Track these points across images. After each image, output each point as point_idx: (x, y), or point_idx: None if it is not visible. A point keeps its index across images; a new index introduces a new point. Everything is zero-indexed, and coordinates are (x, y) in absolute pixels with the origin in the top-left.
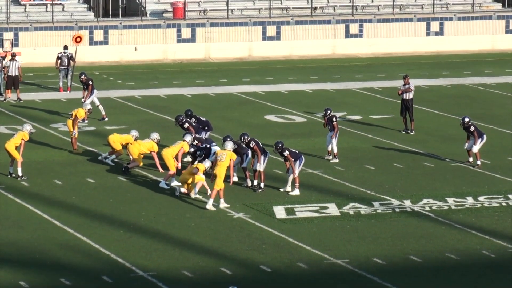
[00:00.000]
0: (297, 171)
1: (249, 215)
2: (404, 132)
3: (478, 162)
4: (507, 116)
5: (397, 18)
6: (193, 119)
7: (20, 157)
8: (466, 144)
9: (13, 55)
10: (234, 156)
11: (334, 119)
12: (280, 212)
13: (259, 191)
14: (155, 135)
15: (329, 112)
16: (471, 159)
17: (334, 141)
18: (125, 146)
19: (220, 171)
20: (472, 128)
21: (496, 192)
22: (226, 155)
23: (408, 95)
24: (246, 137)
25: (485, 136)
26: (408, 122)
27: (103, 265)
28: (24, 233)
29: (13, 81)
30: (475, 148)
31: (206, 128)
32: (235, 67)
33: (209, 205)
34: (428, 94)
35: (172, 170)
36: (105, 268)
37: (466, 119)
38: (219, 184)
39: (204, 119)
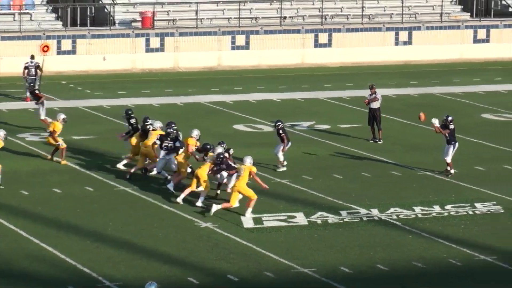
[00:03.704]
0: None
1: (217, 225)
2: (372, 141)
3: (452, 171)
4: (473, 125)
5: (366, 28)
6: (133, 120)
7: None
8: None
9: None
10: (254, 169)
11: (281, 131)
12: (247, 221)
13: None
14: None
15: (278, 124)
16: (448, 168)
17: (281, 151)
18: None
19: (242, 187)
20: (452, 126)
21: (462, 201)
22: (244, 170)
23: (375, 105)
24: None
25: (457, 144)
26: (376, 131)
27: (69, 275)
28: None
29: None
30: (448, 158)
31: None
32: (204, 77)
33: (248, 214)
34: (396, 103)
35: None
36: (71, 278)
37: (450, 118)
38: (251, 195)
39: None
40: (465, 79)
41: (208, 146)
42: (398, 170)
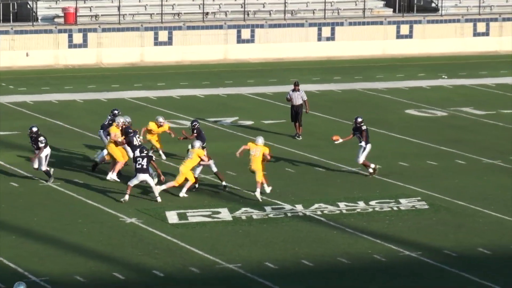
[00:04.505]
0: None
1: (142, 220)
2: (295, 137)
3: (370, 170)
4: (397, 121)
5: (289, 23)
6: None
7: None
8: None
9: None
10: (267, 150)
11: (195, 131)
12: (172, 217)
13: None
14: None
15: (194, 124)
16: (370, 170)
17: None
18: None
19: (257, 166)
20: (364, 127)
21: (387, 197)
22: (260, 150)
23: (298, 101)
24: None
25: (368, 146)
26: (297, 127)
27: None
28: None
29: None
30: (361, 159)
31: None
32: (127, 73)
33: (257, 194)
34: (319, 99)
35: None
36: None
37: (359, 119)
38: (260, 176)
39: None
40: (388, 75)
41: (130, 130)
42: (322, 166)
